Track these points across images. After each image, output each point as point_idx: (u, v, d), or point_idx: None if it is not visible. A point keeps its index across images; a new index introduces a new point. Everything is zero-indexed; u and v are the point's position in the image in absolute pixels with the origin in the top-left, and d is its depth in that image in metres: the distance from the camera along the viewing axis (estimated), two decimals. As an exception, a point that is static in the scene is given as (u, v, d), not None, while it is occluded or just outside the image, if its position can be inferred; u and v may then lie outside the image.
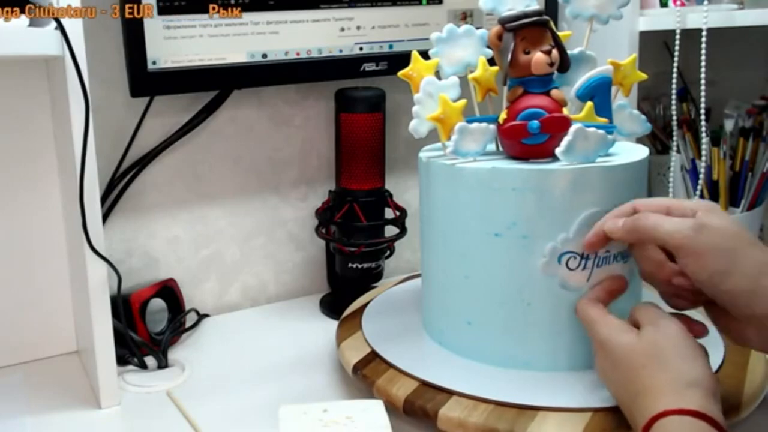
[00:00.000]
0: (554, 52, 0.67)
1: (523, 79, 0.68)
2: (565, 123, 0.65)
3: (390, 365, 0.69)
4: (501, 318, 0.67)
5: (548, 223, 0.64)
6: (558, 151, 0.63)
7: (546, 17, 0.67)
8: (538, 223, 0.64)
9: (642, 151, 0.70)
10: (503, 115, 0.68)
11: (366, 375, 0.68)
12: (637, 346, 0.56)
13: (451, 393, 0.64)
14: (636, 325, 0.59)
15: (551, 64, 0.67)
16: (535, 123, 0.65)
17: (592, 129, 0.64)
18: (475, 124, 0.67)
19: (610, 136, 0.65)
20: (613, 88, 0.71)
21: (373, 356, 0.71)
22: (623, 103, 0.73)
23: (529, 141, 0.66)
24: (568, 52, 0.70)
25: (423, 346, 0.73)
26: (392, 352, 0.70)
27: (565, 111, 0.67)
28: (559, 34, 0.70)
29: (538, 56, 0.66)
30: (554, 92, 0.68)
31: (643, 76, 0.73)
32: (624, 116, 0.73)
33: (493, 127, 0.68)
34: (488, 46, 0.70)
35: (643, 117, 0.74)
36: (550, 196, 0.64)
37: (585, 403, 0.61)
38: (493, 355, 0.68)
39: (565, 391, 0.63)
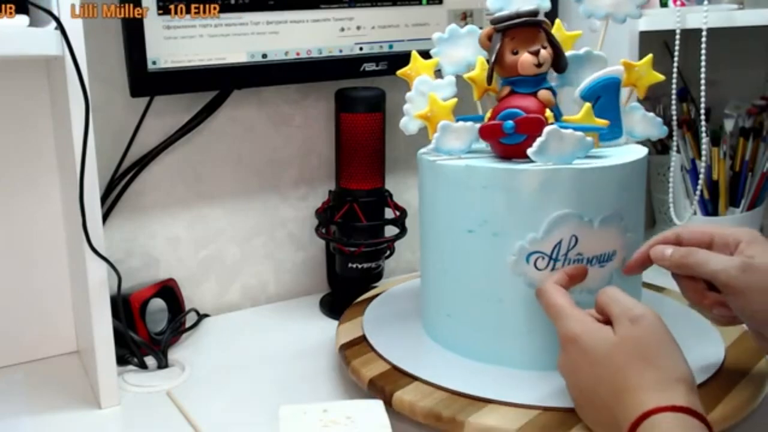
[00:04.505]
0: (543, 52, 0.66)
1: (511, 79, 0.68)
2: (540, 124, 0.64)
3: (372, 349, 0.71)
4: (476, 313, 0.68)
5: (517, 222, 0.64)
6: (530, 151, 0.63)
7: (538, 18, 0.66)
8: (508, 222, 0.65)
9: (635, 154, 0.68)
10: (488, 115, 0.68)
11: (347, 355, 0.70)
12: (619, 345, 0.55)
13: (414, 378, 0.65)
14: (602, 313, 0.58)
15: (538, 65, 0.66)
16: (510, 123, 0.65)
17: (569, 131, 0.62)
18: (459, 123, 0.67)
19: (589, 138, 0.63)
20: (627, 90, 0.70)
21: (361, 340, 0.73)
22: (635, 104, 0.71)
23: (506, 141, 0.66)
24: (575, 52, 0.70)
25: (413, 336, 0.74)
26: (380, 340, 0.72)
27: (548, 112, 0.66)
28: (568, 34, 0.70)
29: (524, 57, 0.66)
30: (542, 93, 0.67)
31: (660, 77, 0.71)
32: (636, 118, 0.71)
33: (477, 125, 0.68)
34: (487, 46, 0.71)
35: (659, 119, 0.72)
36: (518, 195, 0.64)
37: (537, 401, 0.61)
38: (470, 348, 0.69)
39: (524, 389, 0.63)
